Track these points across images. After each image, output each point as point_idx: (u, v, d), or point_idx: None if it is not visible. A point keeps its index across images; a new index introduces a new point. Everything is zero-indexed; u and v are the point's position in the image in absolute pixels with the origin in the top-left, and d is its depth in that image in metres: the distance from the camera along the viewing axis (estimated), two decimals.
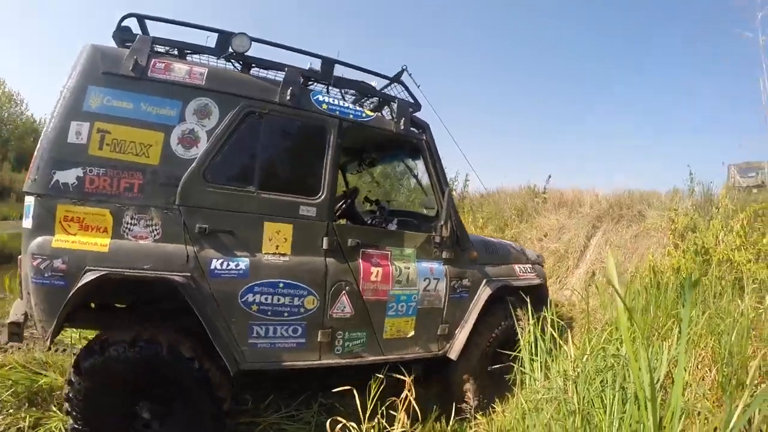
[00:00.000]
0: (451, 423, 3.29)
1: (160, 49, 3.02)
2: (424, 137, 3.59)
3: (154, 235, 2.73)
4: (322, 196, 3.10)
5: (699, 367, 2.93)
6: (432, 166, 3.60)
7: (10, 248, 12.32)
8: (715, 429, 1.78)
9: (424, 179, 4.00)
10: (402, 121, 3.46)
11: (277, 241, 2.97)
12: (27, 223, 2.61)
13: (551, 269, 7.85)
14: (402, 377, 2.50)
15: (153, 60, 2.82)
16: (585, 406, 2.25)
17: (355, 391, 2.42)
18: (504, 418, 3.01)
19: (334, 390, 2.59)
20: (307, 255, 3.05)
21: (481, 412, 3.37)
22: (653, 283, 4.44)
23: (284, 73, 3.14)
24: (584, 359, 2.73)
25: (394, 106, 3.53)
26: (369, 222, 4.21)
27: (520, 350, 3.04)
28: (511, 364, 3.17)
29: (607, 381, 2.39)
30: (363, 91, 3.59)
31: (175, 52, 3.13)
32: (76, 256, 2.54)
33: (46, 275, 2.49)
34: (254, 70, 3.25)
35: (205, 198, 2.82)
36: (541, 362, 2.90)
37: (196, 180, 2.80)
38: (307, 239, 3.06)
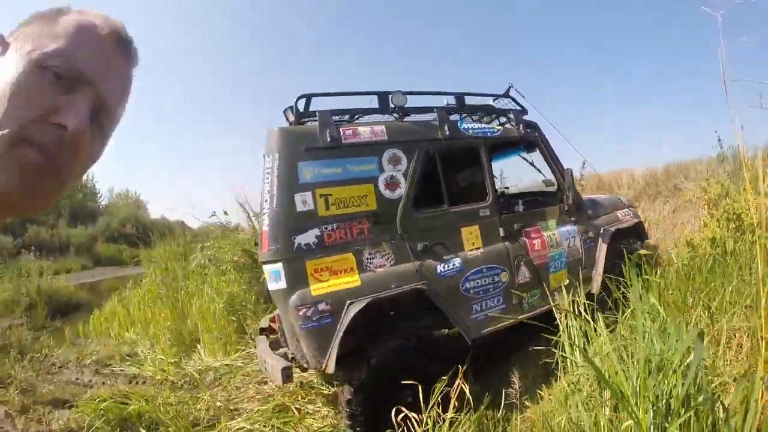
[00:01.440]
0: (501, 411, 3.46)
1: (336, 118, 3.66)
2: (537, 134, 4.53)
3: (390, 262, 3.45)
4: (490, 199, 4.00)
5: (735, 335, 2.92)
6: (548, 154, 4.57)
7: (77, 298, 13.10)
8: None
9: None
10: (520, 126, 4.40)
11: (472, 239, 3.82)
12: (279, 284, 3.19)
13: None
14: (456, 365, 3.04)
15: (341, 129, 3.48)
16: (615, 378, 2.38)
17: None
18: (549, 402, 3.15)
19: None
20: (493, 243, 3.91)
21: (527, 396, 3.53)
22: (689, 258, 4.45)
23: (434, 114, 3.94)
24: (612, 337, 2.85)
25: (511, 116, 4.45)
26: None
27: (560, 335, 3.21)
28: (552, 349, 3.32)
29: (631, 354, 2.49)
30: (488, 111, 4.50)
31: (346, 118, 3.83)
32: (335, 296, 3.16)
33: (314, 319, 3.09)
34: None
35: (417, 224, 3.60)
36: (578, 344, 3.05)
37: (408, 212, 3.55)
38: (490, 232, 3.92)
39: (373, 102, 3.82)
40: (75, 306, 12.49)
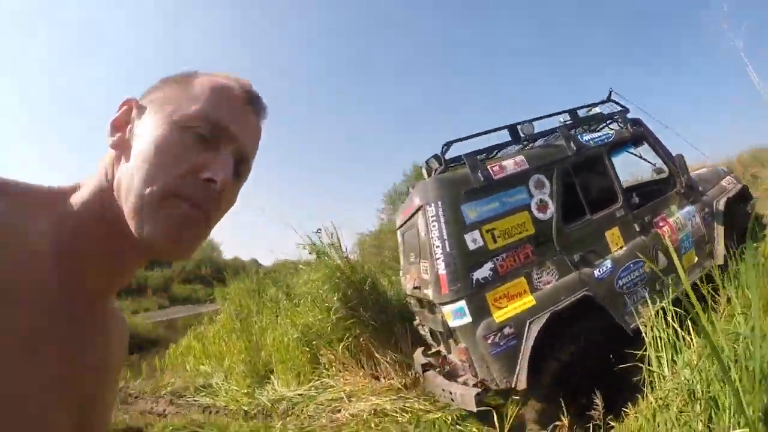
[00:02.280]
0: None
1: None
2: (642, 129, 4.83)
3: (555, 277, 3.76)
4: (620, 199, 4.28)
5: None
6: (657, 145, 4.88)
7: (154, 334, 13.79)
8: None
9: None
10: (628, 125, 4.72)
11: (614, 240, 4.13)
12: (465, 320, 3.47)
13: None
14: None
15: (489, 167, 3.78)
16: (709, 389, 2.22)
17: (494, 413, 3.29)
18: (636, 421, 2.96)
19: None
20: (631, 239, 4.20)
21: (611, 416, 3.37)
22: None
23: (558, 133, 4.28)
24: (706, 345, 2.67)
25: (617, 117, 4.78)
26: None
27: (646, 348, 3.07)
28: (638, 364, 3.17)
29: (730, 359, 2.33)
30: (600, 119, 4.83)
31: (483, 155, 4.13)
32: (517, 319, 3.47)
33: (501, 344, 3.39)
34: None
35: (569, 238, 3.91)
36: (666, 357, 2.88)
37: (560, 229, 3.86)
38: (628, 230, 4.22)
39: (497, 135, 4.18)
40: (152, 342, 13.01)
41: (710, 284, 3.81)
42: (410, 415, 4.49)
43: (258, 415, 5.56)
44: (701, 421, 2.11)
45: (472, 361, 3.56)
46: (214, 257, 32.04)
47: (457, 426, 4.18)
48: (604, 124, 4.91)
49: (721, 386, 2.14)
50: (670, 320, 3.04)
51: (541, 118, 4.37)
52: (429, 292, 3.76)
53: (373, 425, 4.45)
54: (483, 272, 3.53)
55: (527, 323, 3.46)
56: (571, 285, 3.73)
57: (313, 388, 5.78)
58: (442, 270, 3.54)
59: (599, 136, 4.50)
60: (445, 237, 3.55)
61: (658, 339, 3.03)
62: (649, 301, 3.99)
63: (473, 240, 3.56)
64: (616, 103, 4.89)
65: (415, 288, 4.19)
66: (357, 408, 4.87)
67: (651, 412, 2.67)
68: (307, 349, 6.30)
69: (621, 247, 4.14)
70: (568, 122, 4.49)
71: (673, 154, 4.86)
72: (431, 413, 4.45)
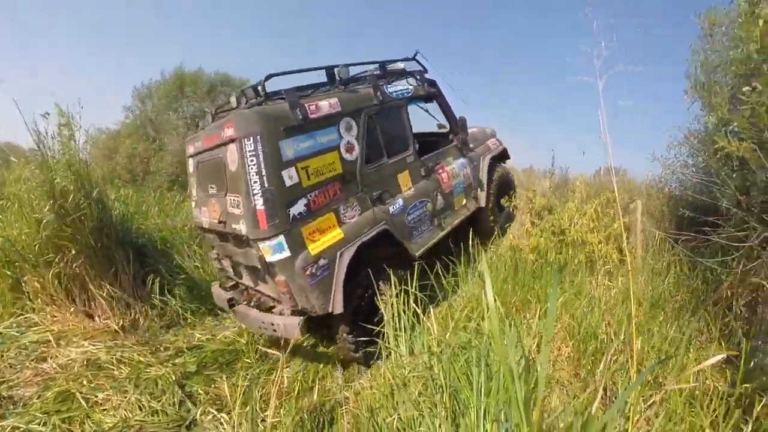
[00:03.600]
0: (317, 398, 3.49)
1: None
2: (436, 90, 5.67)
3: (358, 212, 4.22)
4: (411, 147, 5.01)
5: (554, 340, 3.08)
6: (444, 105, 5.82)
7: None
8: (575, 397, 1.88)
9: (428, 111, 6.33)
10: (425, 84, 5.48)
11: (405, 182, 4.84)
12: (283, 254, 3.62)
13: None
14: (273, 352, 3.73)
15: (307, 106, 3.91)
16: (452, 382, 2.26)
17: (224, 376, 2.68)
18: (373, 395, 2.96)
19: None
20: (419, 182, 5.01)
21: (348, 387, 3.61)
22: (513, 260, 4.68)
23: (368, 81, 4.72)
24: (447, 336, 2.79)
25: (417, 76, 5.45)
26: None
27: (384, 325, 3.30)
28: (375, 339, 3.51)
29: (471, 358, 2.43)
30: (403, 75, 5.37)
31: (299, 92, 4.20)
32: (329, 250, 3.83)
33: (317, 274, 3.70)
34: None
35: (369, 177, 4.39)
36: (405, 337, 3.04)
37: (363, 169, 4.31)
38: (415, 174, 5.00)
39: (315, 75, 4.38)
40: None
41: (454, 278, 4.16)
42: (129, 369, 3.98)
43: None
44: (445, 408, 2.12)
45: (292, 293, 3.74)
46: None
47: (183, 386, 3.81)
48: (404, 79, 5.48)
49: (465, 382, 2.19)
50: (413, 303, 3.26)
51: (355, 64, 4.73)
52: (242, 228, 3.76)
53: (85, 381, 3.86)
54: (298, 208, 3.72)
55: (338, 253, 3.85)
56: (372, 219, 4.26)
57: (15, 325, 4.80)
58: (260, 206, 3.57)
59: (400, 90, 5.09)
60: (264, 173, 3.57)
61: (398, 318, 3.22)
62: (429, 234, 5.03)
63: (290, 176, 3.68)
64: (419, 62, 5.54)
65: (220, 222, 4.12)
66: (66, 356, 4.26)
67: (389, 389, 2.68)
68: (9, 273, 5.14)
69: (410, 188, 4.86)
70: (377, 72, 4.97)
71: (457, 117, 5.87)
72: (153, 367, 4.03)
